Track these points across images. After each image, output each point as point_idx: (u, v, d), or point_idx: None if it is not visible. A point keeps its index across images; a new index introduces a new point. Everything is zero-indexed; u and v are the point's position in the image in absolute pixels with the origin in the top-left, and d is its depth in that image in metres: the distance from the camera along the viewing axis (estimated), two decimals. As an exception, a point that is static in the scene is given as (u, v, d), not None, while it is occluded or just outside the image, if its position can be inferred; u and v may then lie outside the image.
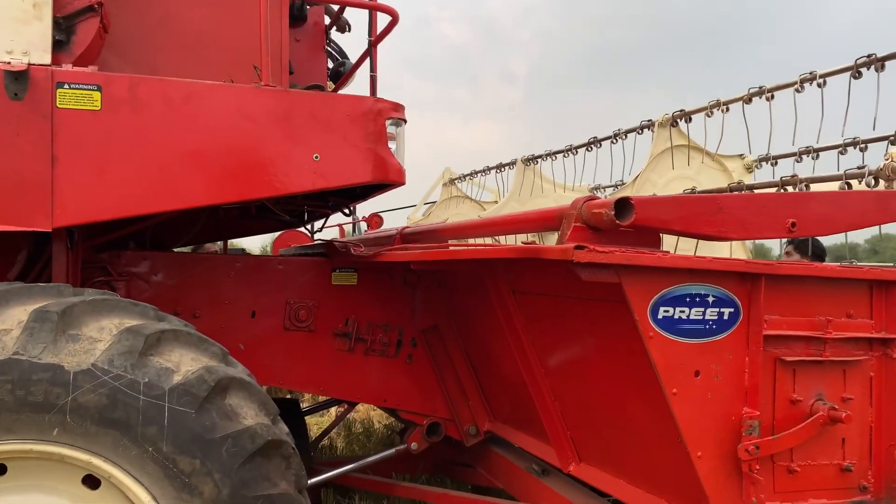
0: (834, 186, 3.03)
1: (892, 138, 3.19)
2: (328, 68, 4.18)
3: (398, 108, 2.85)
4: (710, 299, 2.08)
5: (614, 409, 2.54)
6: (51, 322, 2.19)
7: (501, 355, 3.31)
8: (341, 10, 4.11)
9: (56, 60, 2.51)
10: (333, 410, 6.63)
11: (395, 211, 10.16)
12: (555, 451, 3.00)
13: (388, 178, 2.85)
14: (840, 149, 3.79)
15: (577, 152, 5.91)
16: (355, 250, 3.47)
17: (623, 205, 1.95)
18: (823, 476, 2.27)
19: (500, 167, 7.65)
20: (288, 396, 6.12)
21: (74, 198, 2.45)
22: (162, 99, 2.55)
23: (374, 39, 3.40)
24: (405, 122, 2.91)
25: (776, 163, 4.33)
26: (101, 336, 2.26)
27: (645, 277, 2.00)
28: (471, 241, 3.16)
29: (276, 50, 2.94)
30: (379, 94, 3.10)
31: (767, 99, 3.91)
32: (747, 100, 4.01)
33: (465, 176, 8.65)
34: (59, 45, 2.54)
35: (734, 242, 4.13)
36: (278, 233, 7.94)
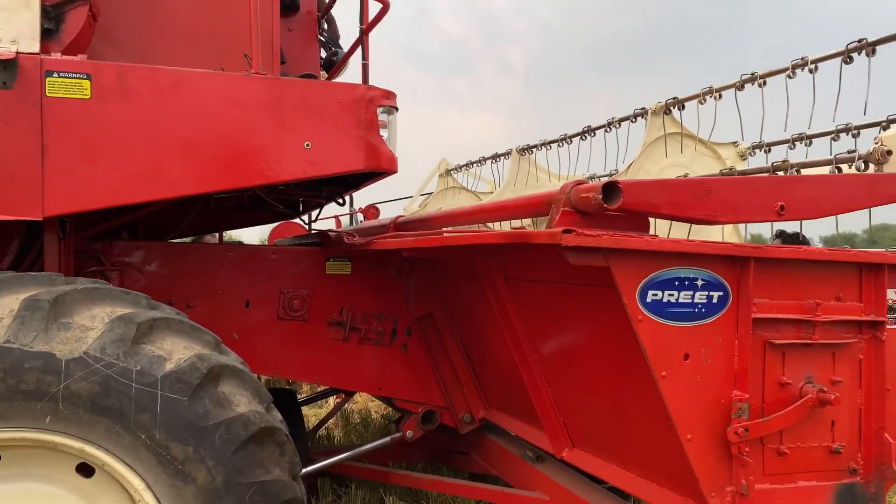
0: (825, 171, 3.03)
1: (883, 124, 3.20)
2: (321, 58, 4.17)
3: (389, 95, 2.85)
4: (699, 283, 2.08)
5: (606, 393, 2.55)
6: (42, 310, 2.19)
7: (495, 343, 3.32)
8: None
9: (45, 49, 2.50)
10: (332, 401, 6.66)
11: (391, 202, 10.17)
12: (548, 438, 3.02)
13: (379, 166, 2.85)
14: (833, 135, 3.79)
15: (571, 141, 5.91)
16: (349, 239, 3.48)
17: (611, 188, 1.96)
18: (813, 458, 2.28)
19: (495, 157, 7.65)
20: (288, 387, 6.14)
21: (65, 187, 2.45)
22: (152, 87, 2.55)
23: (366, 28, 3.39)
24: (397, 109, 2.91)
25: (769, 150, 4.33)
26: (92, 324, 2.26)
27: (633, 261, 2.00)
28: (463, 228, 3.16)
29: (267, 38, 2.94)
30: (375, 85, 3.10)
31: (760, 85, 3.91)
32: (739, 86, 4.01)
33: (461, 167, 8.65)
34: (47, 34, 2.53)
35: (727, 228, 4.14)
36: (274, 224, 7.95)
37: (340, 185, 3.61)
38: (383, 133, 2.82)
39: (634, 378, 2.24)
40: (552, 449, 3.01)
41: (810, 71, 3.62)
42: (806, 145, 3.96)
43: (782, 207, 2.17)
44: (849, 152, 2.90)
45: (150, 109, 2.54)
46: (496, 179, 7.88)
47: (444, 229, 3.07)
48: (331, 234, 3.85)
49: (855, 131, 3.62)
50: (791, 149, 4.06)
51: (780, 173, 3.33)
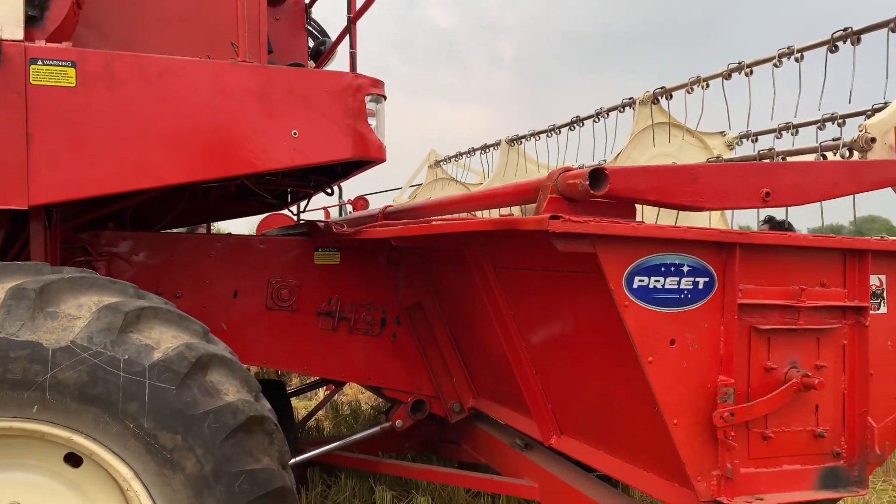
0: (810, 159, 3.06)
1: (868, 112, 3.22)
2: (309, 47, 4.16)
3: (377, 83, 2.84)
4: (685, 269, 2.10)
5: (593, 380, 2.57)
6: (28, 299, 2.18)
7: (484, 331, 3.34)
8: (321, -12, 4.08)
9: (29, 36, 2.48)
10: (321, 393, 6.66)
11: (380, 194, 10.16)
12: (536, 425, 3.04)
13: (368, 155, 2.85)
14: (819, 124, 3.82)
15: (560, 132, 5.92)
16: (337, 229, 3.47)
17: (598, 175, 1.97)
18: (797, 442, 2.31)
19: (484, 148, 7.64)
20: (277, 378, 6.14)
21: (50, 175, 2.44)
22: (138, 75, 2.53)
23: (353, 16, 3.38)
24: (385, 98, 2.91)
25: (756, 139, 4.36)
26: (79, 313, 2.25)
27: (620, 247, 2.02)
28: (452, 217, 3.16)
29: (254, 26, 2.93)
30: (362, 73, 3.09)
31: (746, 75, 3.93)
32: (727, 76, 4.03)
33: (450, 158, 8.63)
34: (32, 21, 2.51)
35: (714, 216, 4.16)
36: (262, 216, 7.93)
37: (329, 175, 3.60)
38: (371, 121, 2.81)
39: (621, 364, 2.26)
40: (540, 436, 3.03)
41: (796, 60, 3.64)
42: (792, 134, 3.99)
43: (768, 194, 2.19)
44: (834, 140, 2.93)
45: (136, 97, 2.52)
46: (485, 170, 7.88)
47: (433, 218, 3.08)
48: (319, 224, 3.84)
49: (840, 120, 3.65)
50: (778, 138, 4.08)
51: (767, 161, 3.36)
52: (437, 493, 4.19)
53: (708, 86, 4.22)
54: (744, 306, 2.18)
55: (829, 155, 2.93)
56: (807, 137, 4.21)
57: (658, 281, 2.07)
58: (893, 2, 3.17)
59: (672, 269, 2.08)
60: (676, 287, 2.09)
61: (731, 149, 4.63)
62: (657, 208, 3.40)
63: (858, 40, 3.32)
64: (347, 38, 3.46)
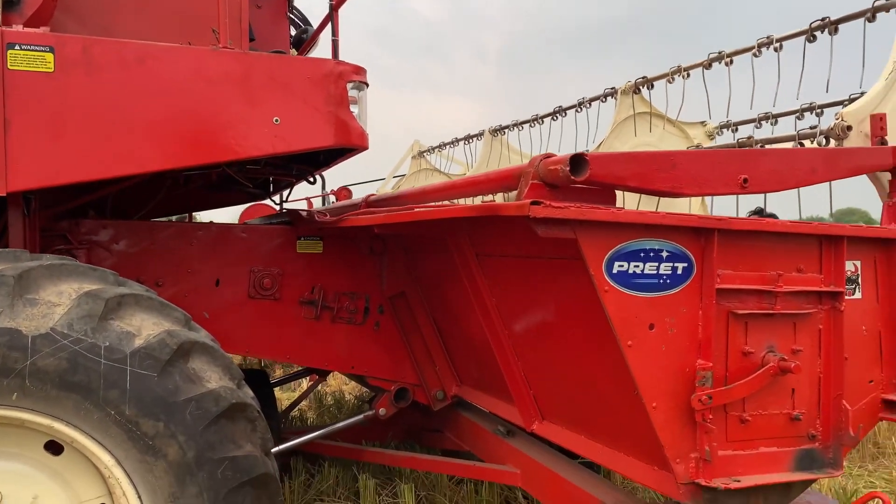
0: (789, 147, 3.10)
1: (845, 102, 3.27)
2: (291, 35, 4.13)
3: (359, 70, 2.84)
4: (664, 254, 2.12)
5: (574, 365, 2.59)
6: (7, 286, 2.17)
7: (467, 319, 3.35)
8: (303, -25, 4.06)
9: (6, 21, 2.45)
10: (305, 383, 6.66)
11: (364, 184, 10.13)
12: (518, 411, 3.06)
13: (350, 142, 2.85)
14: (797, 114, 3.87)
15: (542, 122, 5.94)
16: (319, 217, 3.47)
17: (578, 161, 1.98)
18: (774, 425, 2.34)
19: (468, 138, 7.65)
20: (265, 369, 6.13)
21: (28, 162, 2.42)
22: (117, 61, 2.51)
23: (335, 3, 3.37)
24: (367, 85, 2.90)
25: (736, 129, 4.40)
26: (59, 300, 2.24)
27: (600, 233, 2.03)
28: (435, 205, 3.17)
29: (235, 13, 2.90)
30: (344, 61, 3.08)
31: (727, 64, 3.96)
32: (707, 65, 4.06)
33: (433, 148, 8.63)
34: (9, 6, 2.49)
35: (694, 204, 4.20)
36: (244, 206, 7.88)
37: (311, 163, 3.59)
38: (353, 109, 2.81)
39: (602, 349, 2.28)
40: (522, 422, 3.05)
41: (775, 49, 3.68)
42: (772, 124, 4.03)
43: (745, 180, 2.21)
44: (811, 128, 2.97)
45: (115, 83, 2.50)
46: (469, 161, 7.88)
47: (416, 206, 3.08)
48: (302, 212, 3.84)
49: (818, 110, 3.69)
50: (757, 128, 4.13)
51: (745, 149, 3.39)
52: (420, 481, 4.21)
53: (688, 75, 4.25)
54: (722, 291, 2.20)
55: (807, 143, 2.96)
56: (786, 127, 4.26)
57: (637, 266, 2.09)
58: (870, -8, 3.21)
59: (651, 254, 2.10)
60: (655, 272, 2.12)
61: (712, 138, 4.67)
62: (639, 196, 3.43)
63: (836, 30, 3.36)
64: (329, 25, 3.45)
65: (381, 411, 3.86)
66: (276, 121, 2.69)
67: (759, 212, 4.49)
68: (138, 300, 2.39)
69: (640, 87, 4.59)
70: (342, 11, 3.43)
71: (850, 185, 2.80)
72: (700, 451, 2.22)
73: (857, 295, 2.48)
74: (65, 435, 2.25)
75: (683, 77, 4.29)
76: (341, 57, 3.30)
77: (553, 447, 3.26)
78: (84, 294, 2.26)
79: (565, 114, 5.55)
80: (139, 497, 2.28)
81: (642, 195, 3.17)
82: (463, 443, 4.01)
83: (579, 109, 5.32)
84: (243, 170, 3.42)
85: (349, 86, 2.81)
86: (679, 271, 2.15)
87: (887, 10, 3.19)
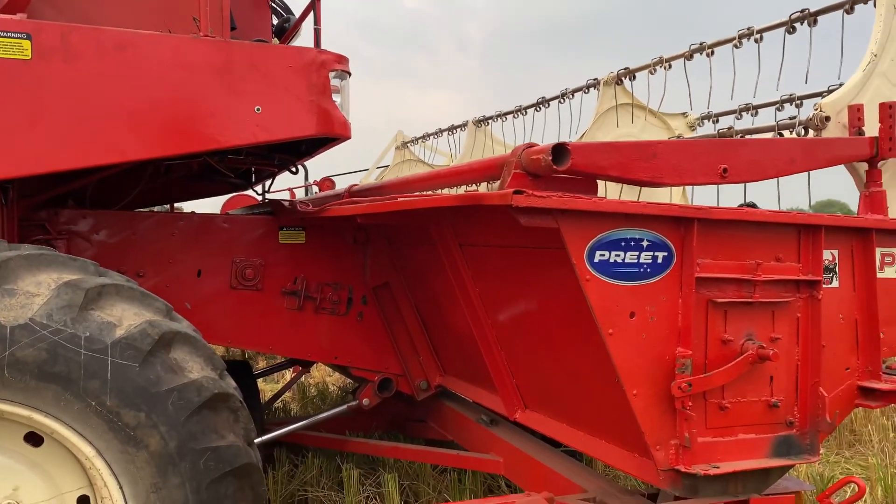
0: (768, 137, 3.13)
1: (824, 93, 3.30)
2: (272, 24, 4.10)
3: (342, 59, 2.83)
4: (645, 243, 2.14)
5: (556, 354, 2.61)
6: (-16, 276, 2.14)
7: (450, 309, 3.36)
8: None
9: (-19, 8, 2.42)
10: (288, 375, 6.65)
11: (347, 175, 10.10)
12: (501, 400, 3.08)
13: (332, 132, 2.84)
14: (778, 105, 3.90)
15: (526, 112, 5.95)
16: (302, 207, 3.46)
17: (560, 150, 1.99)
18: (752, 412, 2.38)
19: (451, 129, 7.65)
20: (248, 361, 6.11)
21: (5, 151, 2.39)
22: (96, 48, 2.48)
23: (318, -8, 3.35)
24: (349, 74, 2.89)
25: (717, 120, 4.43)
26: (38, 290, 2.22)
27: (582, 222, 2.05)
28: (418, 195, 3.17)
29: (216, 1, 2.87)
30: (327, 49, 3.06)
31: (708, 55, 3.99)
32: (688, 56, 4.08)
33: (417, 139, 8.62)
34: (-17, -8, 2.45)
35: (675, 195, 4.24)
36: (226, 197, 7.83)
37: (293, 153, 3.57)
38: (336, 98, 2.80)
39: (583, 337, 2.30)
40: (505, 411, 3.07)
41: (756, 41, 3.71)
42: (752, 115, 4.07)
43: (725, 170, 2.23)
44: (790, 119, 3.00)
45: (94, 71, 2.47)
46: (453, 152, 7.89)
47: (399, 195, 3.08)
48: (284, 202, 3.82)
49: (798, 101, 3.73)
50: (738, 119, 4.16)
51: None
52: (404, 470, 4.23)
53: (670, 66, 4.27)
54: (701, 280, 2.23)
55: (786, 133, 3.00)
56: (766, 118, 4.30)
57: (619, 255, 2.11)
58: (849, -16, 3.25)
59: (632, 243, 2.12)
60: (636, 261, 2.14)
61: (693, 129, 4.71)
62: (620, 186, 3.45)
63: (815, 22, 3.39)
64: (312, 14, 3.43)
65: (365, 402, 3.86)
66: (258, 110, 2.67)
67: (751, 206, 4.54)
68: (119, 290, 2.37)
69: (623, 79, 4.61)
70: (325, 0, 3.42)
71: (830, 178, 2.84)
72: (680, 437, 2.25)
73: (835, 284, 2.51)
74: (45, 426, 2.23)
75: (665, 68, 4.31)
76: (324, 46, 3.29)
77: (536, 436, 3.29)
78: (63, 284, 2.24)
79: (548, 105, 5.56)
80: (120, 488, 2.27)
81: (624, 185, 3.20)
82: (446, 432, 4.03)
83: (562, 100, 5.33)
84: (225, 160, 3.39)
85: (331, 75, 2.79)
86: (659, 260, 2.17)
87: (865, 2, 3.23)
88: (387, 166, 9.29)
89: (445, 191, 3.15)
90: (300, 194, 10.09)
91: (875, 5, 3.02)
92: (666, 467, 2.26)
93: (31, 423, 2.24)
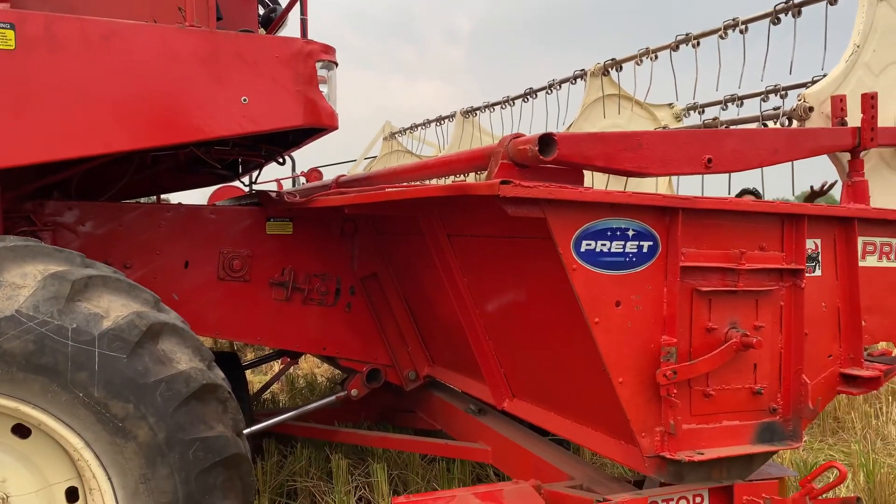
0: (753, 127, 3.16)
1: (808, 84, 3.33)
2: (259, 14, 4.08)
3: (328, 50, 2.82)
4: (631, 233, 2.16)
5: (544, 343, 2.63)
6: (-31, 268, 2.13)
7: (438, 299, 3.38)
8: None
9: (-37, -3, 2.39)
10: (276, 366, 6.64)
11: (334, 166, 10.07)
12: (489, 390, 3.10)
13: (319, 122, 2.84)
14: (762, 96, 3.93)
15: (514, 103, 5.96)
16: (289, 198, 3.46)
17: (547, 141, 2.00)
18: (736, 399, 2.41)
19: (439, 120, 7.64)
20: (236, 352, 6.10)
21: (-11, 141, 2.37)
22: (80, 38, 2.47)
23: (304, -19, 3.33)
24: (336, 64, 2.89)
25: (703, 111, 4.46)
26: (24, 282, 2.22)
27: (568, 212, 2.06)
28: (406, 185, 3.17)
29: (202, -10, 2.86)
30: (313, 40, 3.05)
31: (693, 46, 4.01)
32: (674, 47, 4.10)
33: (405, 130, 8.61)
34: (-34, -18, 2.42)
35: (661, 186, 4.26)
36: (213, 188, 7.80)
37: (280, 144, 3.57)
38: (323, 88, 2.80)
39: (570, 326, 2.32)
40: (493, 400, 3.09)
41: (741, 32, 3.73)
42: (737, 105, 4.10)
43: (710, 160, 2.26)
44: (774, 109, 3.03)
45: (79, 61, 2.46)
46: (440, 143, 7.88)
47: (386, 186, 3.08)
48: (271, 193, 3.81)
49: (783, 92, 3.76)
50: (724, 109, 4.19)
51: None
52: (392, 460, 4.25)
53: (656, 57, 4.29)
54: (686, 269, 2.25)
55: (770, 124, 3.02)
56: (751, 108, 4.33)
57: (605, 245, 2.13)
58: (833, -24, 3.27)
59: (618, 233, 2.14)
60: (622, 251, 2.15)
61: (679, 120, 4.73)
62: (607, 176, 3.47)
63: (799, 13, 3.42)
64: (298, 4, 3.41)
65: (354, 392, 3.87)
66: (245, 100, 2.67)
67: (751, 191, 4.58)
68: (106, 282, 2.37)
69: (609, 70, 4.63)
70: (311, -9, 3.39)
71: (816, 167, 2.87)
72: (665, 425, 2.27)
73: (818, 272, 2.54)
74: (32, 418, 2.23)
75: (651, 59, 4.33)
76: (310, 36, 3.28)
77: (524, 425, 3.32)
78: (50, 276, 2.23)
79: (536, 95, 5.57)
80: (109, 479, 2.27)
81: (610, 175, 3.22)
82: (435, 422, 4.05)
83: (549, 91, 5.34)
84: (212, 150, 3.38)
85: (318, 65, 2.79)
86: (645, 249, 2.19)
87: (849, -7, 3.26)
88: (375, 157, 9.28)
89: (433, 181, 3.16)
90: (287, 185, 10.07)
91: (858, -4, 3.06)
92: (651, 454, 2.28)
93: (18, 415, 2.24)
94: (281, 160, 3.87)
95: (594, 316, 2.13)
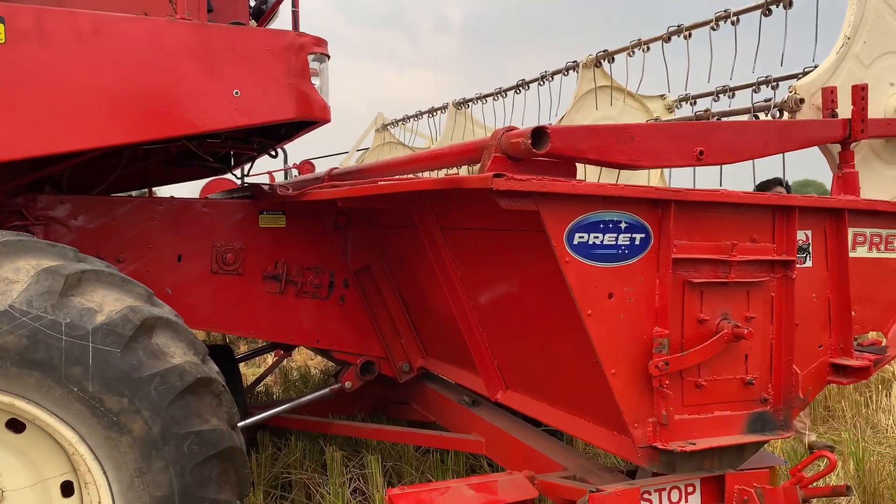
0: (744, 119, 3.17)
1: (799, 75, 3.34)
2: (250, 6, 4.06)
3: (320, 42, 2.81)
4: (623, 225, 2.17)
5: (537, 335, 2.64)
6: (-38, 263, 2.13)
7: (432, 291, 3.38)
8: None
9: (-48, -9, 2.37)
10: (270, 359, 6.65)
11: (326, 158, 10.03)
12: (483, 381, 3.11)
13: (312, 115, 2.83)
14: (754, 87, 3.94)
15: (506, 95, 5.94)
16: (282, 191, 3.45)
17: (539, 134, 2.01)
18: (728, 390, 2.43)
19: (432, 111, 7.62)
20: (229, 345, 6.10)
21: (-20, 136, 2.36)
22: (71, 32, 2.45)
23: (295, -26, 3.32)
24: (328, 57, 2.88)
25: (695, 102, 4.47)
26: (17, 277, 2.21)
27: (561, 205, 2.07)
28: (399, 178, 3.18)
29: (192, -17, 2.84)
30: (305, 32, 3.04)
31: (685, 37, 4.01)
32: (666, 38, 4.10)
33: (397, 121, 8.57)
34: (-46, -25, 2.40)
35: (653, 178, 4.28)
36: (204, 181, 7.78)
37: (272, 137, 3.56)
38: (315, 81, 2.79)
39: (563, 318, 2.33)
40: (487, 392, 3.11)
41: (732, 23, 3.74)
42: (729, 97, 4.10)
43: (701, 153, 2.27)
44: (766, 101, 3.04)
45: (70, 55, 2.45)
46: (433, 134, 7.86)
47: (379, 179, 3.08)
48: (264, 186, 3.81)
49: (774, 83, 3.77)
50: (715, 101, 4.19)
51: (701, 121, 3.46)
52: (387, 452, 4.27)
53: (648, 49, 4.29)
54: (678, 261, 2.27)
55: (762, 115, 3.03)
56: (743, 100, 4.34)
57: (597, 237, 2.14)
58: (824, -33, 3.28)
59: (610, 225, 2.15)
60: (614, 243, 2.17)
61: (671, 111, 4.74)
62: (599, 169, 3.48)
63: (791, 4, 3.42)
64: (289, -5, 3.40)
65: (348, 384, 3.88)
66: (236, 93, 2.66)
67: (780, 182, 4.58)
68: (99, 276, 2.36)
69: (601, 61, 4.62)
70: (302, -18, 3.38)
71: (808, 158, 2.88)
72: (657, 415, 2.29)
73: (808, 263, 2.57)
74: (26, 412, 2.23)
75: (643, 51, 4.33)
76: (302, 28, 3.27)
77: (517, 416, 3.34)
78: (43, 270, 2.23)
79: (528, 87, 5.55)
80: (104, 473, 2.28)
81: (602, 168, 3.22)
82: (429, 414, 4.07)
83: (542, 83, 5.33)
84: (203, 144, 3.37)
85: (310, 58, 2.78)
86: (637, 242, 2.20)
87: (840, -15, 3.26)
88: (367, 149, 9.24)
89: (426, 174, 3.16)
90: (279, 178, 10.03)
91: (849, -12, 3.06)
92: (644, 444, 2.31)
93: (12, 410, 2.24)
94: (273, 153, 3.87)
95: (587, 308, 2.15)
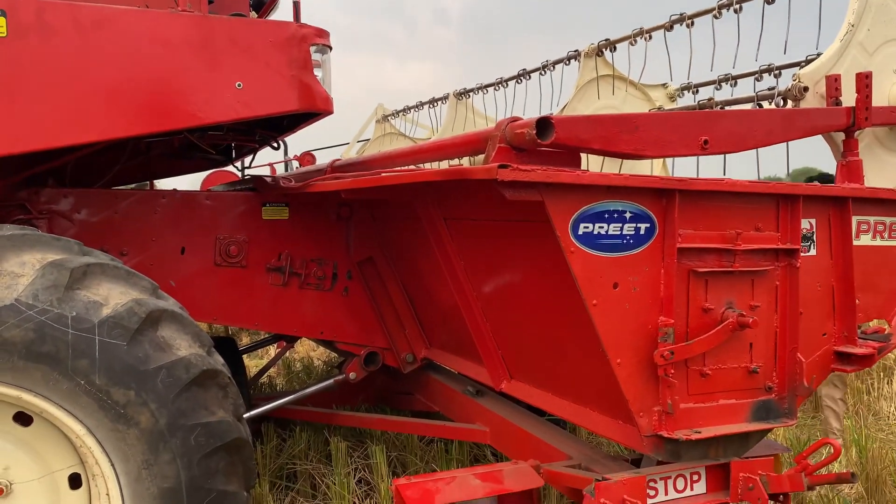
0: (748, 108, 3.16)
1: (802, 63, 3.33)
2: (250, -2, 4.04)
3: (322, 33, 2.81)
4: (628, 215, 2.17)
5: (542, 325, 2.65)
6: (-33, 257, 2.13)
7: (436, 282, 3.39)
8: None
9: (-47, -16, 2.36)
10: (273, 350, 6.66)
11: (327, 149, 10.02)
12: (487, 371, 3.12)
13: (314, 107, 2.83)
14: (757, 75, 3.93)
15: (507, 85, 5.92)
16: (285, 183, 3.45)
17: (544, 124, 2.00)
18: (733, 378, 2.44)
19: (432, 102, 7.59)
20: (232, 337, 6.11)
21: (-17, 130, 2.35)
22: (72, 24, 2.45)
23: (296, -36, 3.30)
24: (330, 48, 2.87)
25: (697, 91, 4.45)
26: (22, 271, 2.22)
27: (566, 195, 2.07)
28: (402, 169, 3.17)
29: (193, -26, 2.83)
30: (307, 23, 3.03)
31: (688, 26, 4.00)
32: (668, 27, 4.08)
33: (398, 112, 8.55)
34: (-45, -32, 2.39)
35: (656, 167, 4.27)
36: (206, 173, 7.77)
37: (274, 129, 3.55)
38: (317, 72, 2.78)
39: (568, 308, 2.33)
40: (491, 382, 3.12)
41: (735, 11, 3.72)
42: (732, 85, 4.09)
43: (706, 142, 2.26)
44: (769, 89, 3.03)
45: (71, 48, 2.44)
46: (434, 125, 7.84)
47: (382, 170, 3.08)
48: (266, 178, 3.81)
49: (777, 71, 3.76)
50: (718, 89, 4.18)
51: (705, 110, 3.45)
52: (391, 442, 4.28)
53: (650, 37, 4.27)
54: (683, 250, 2.26)
55: (765, 104, 3.02)
56: (746, 88, 4.32)
57: (602, 227, 2.14)
58: (828, -46, 3.26)
59: (615, 215, 2.15)
60: (619, 233, 2.17)
61: (673, 100, 4.72)
62: (602, 158, 3.47)
63: (793, -9, 3.41)
64: (290, -13, 3.38)
65: (352, 375, 3.89)
66: (239, 85, 2.65)
67: (822, 177, 4.58)
68: (104, 269, 2.37)
69: (603, 50, 4.60)
70: (303, -27, 3.36)
71: (811, 146, 2.87)
72: (662, 404, 2.30)
73: (812, 252, 2.57)
74: (34, 406, 2.24)
75: (646, 39, 4.31)
76: (303, 19, 3.25)
77: (521, 405, 3.35)
78: (48, 264, 2.23)
79: (529, 77, 5.53)
80: (112, 465, 2.29)
81: (606, 158, 3.22)
82: (433, 404, 4.08)
83: (543, 73, 5.30)
84: (206, 136, 3.37)
85: (312, 49, 2.77)
86: (642, 231, 2.20)
87: (843, -28, 3.24)
88: (367, 140, 9.22)
89: (429, 165, 3.16)
90: (280, 169, 10.02)
91: (853, -25, 3.05)
92: (649, 433, 2.31)
93: (19, 403, 2.25)
94: (275, 145, 3.86)
95: (592, 298, 2.15)
